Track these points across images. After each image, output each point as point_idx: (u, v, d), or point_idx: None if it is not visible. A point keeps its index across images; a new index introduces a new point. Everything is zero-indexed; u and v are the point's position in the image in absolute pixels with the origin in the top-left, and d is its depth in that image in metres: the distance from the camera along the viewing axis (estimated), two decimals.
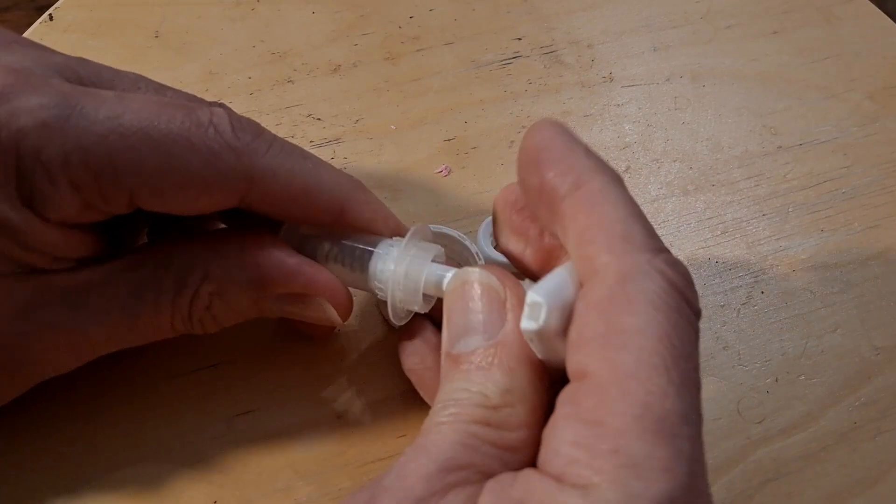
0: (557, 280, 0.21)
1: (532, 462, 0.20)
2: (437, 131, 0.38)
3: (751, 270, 0.34)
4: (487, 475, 0.19)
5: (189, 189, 0.24)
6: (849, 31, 0.44)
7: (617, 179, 0.21)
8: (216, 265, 0.25)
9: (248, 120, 0.25)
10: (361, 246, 0.26)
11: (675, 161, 0.38)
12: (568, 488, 0.18)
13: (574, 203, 0.21)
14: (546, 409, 0.21)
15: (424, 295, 0.25)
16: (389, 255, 0.26)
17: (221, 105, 0.27)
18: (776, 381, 0.31)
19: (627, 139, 0.39)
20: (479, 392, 0.20)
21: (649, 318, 0.18)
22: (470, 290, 0.22)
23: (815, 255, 0.35)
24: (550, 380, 0.22)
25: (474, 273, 0.22)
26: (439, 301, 0.26)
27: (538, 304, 0.20)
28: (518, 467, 0.20)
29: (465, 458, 0.19)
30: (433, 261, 0.26)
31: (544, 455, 0.19)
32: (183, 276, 0.25)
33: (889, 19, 0.45)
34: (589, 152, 0.22)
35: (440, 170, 0.37)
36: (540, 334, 0.20)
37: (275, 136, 0.25)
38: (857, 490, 0.28)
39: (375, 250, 0.26)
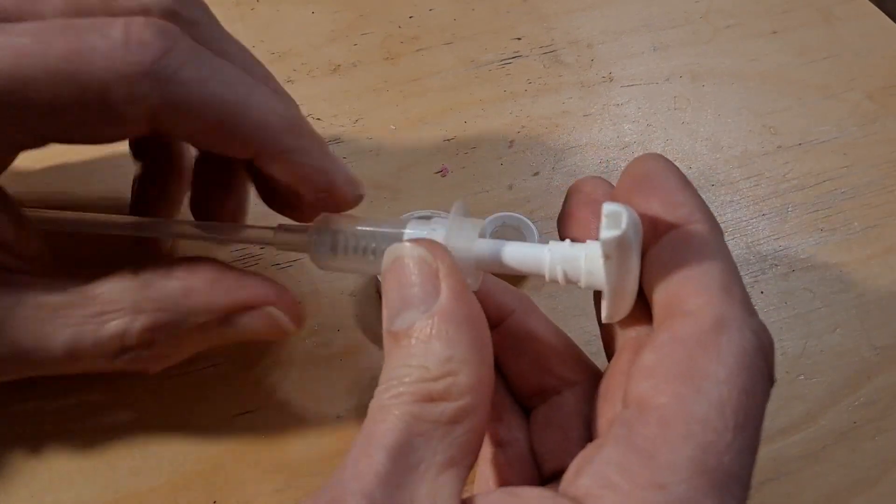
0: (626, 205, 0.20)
1: (479, 430, 0.20)
2: (436, 131, 0.38)
3: (751, 270, 0.34)
4: (443, 465, 0.19)
5: (86, 124, 0.22)
6: (848, 31, 0.44)
7: (721, 230, 0.21)
8: (145, 296, 0.23)
9: (161, 29, 0.21)
10: (390, 230, 0.25)
11: (674, 161, 0.38)
12: None
13: (679, 237, 0.20)
14: (493, 368, 0.21)
15: (477, 269, 0.24)
16: (437, 233, 0.24)
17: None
18: (776, 380, 0.31)
19: (627, 139, 0.39)
20: (420, 365, 0.20)
21: (733, 372, 0.18)
22: (403, 265, 0.21)
23: (814, 255, 0.35)
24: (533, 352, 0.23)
25: (405, 248, 0.22)
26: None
27: (617, 212, 0.19)
28: (464, 439, 0.19)
29: (417, 451, 0.19)
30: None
31: (578, 469, 0.18)
32: (105, 308, 0.23)
33: (889, 19, 0.45)
34: (699, 194, 0.22)
35: (439, 170, 0.37)
36: (620, 243, 0.19)
37: (194, 47, 0.22)
38: (857, 490, 0.28)
39: (416, 231, 0.24)
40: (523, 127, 0.39)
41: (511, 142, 0.38)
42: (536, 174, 0.37)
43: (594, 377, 0.24)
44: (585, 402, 0.23)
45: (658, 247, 0.21)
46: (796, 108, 0.40)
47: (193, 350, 0.25)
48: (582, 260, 0.22)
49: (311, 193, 0.24)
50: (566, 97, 0.40)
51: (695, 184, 0.36)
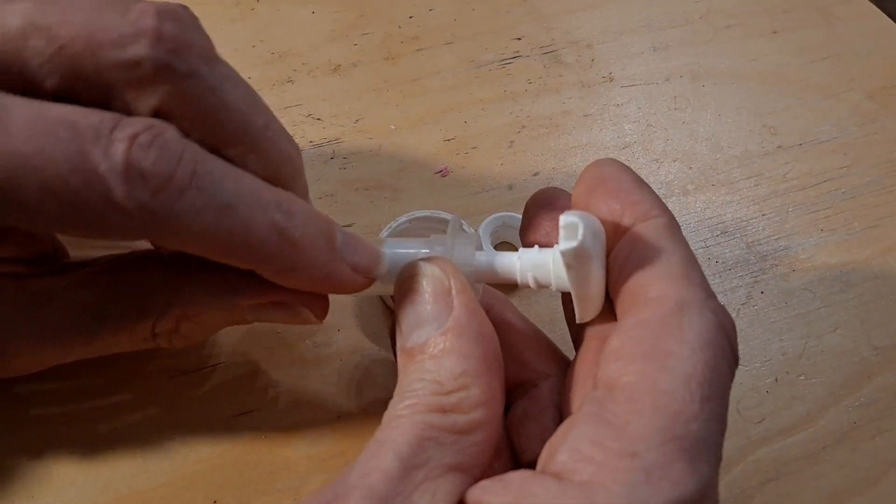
0: (584, 213, 0.21)
1: (491, 441, 0.20)
2: (436, 131, 0.38)
3: (751, 270, 0.34)
4: (449, 467, 0.19)
5: (75, 230, 0.21)
6: (848, 31, 0.44)
7: (677, 223, 0.22)
8: (179, 291, 0.24)
9: (163, 152, 0.20)
10: (389, 251, 0.25)
11: (674, 161, 0.38)
12: (569, 486, 0.18)
13: (639, 232, 0.21)
14: (503, 381, 0.21)
15: (477, 282, 0.25)
16: (438, 250, 0.24)
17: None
18: (776, 381, 0.31)
19: (627, 139, 0.39)
20: (433, 380, 0.20)
21: (696, 349, 0.19)
22: (416, 283, 0.22)
23: (814, 255, 0.35)
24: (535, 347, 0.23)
25: (417, 266, 0.23)
26: None
27: (574, 223, 0.20)
28: (475, 449, 0.20)
29: (426, 452, 0.19)
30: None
31: (553, 449, 0.19)
32: (143, 302, 0.24)
33: (889, 19, 0.45)
34: (654, 191, 0.23)
35: (439, 170, 0.37)
36: (578, 253, 0.20)
37: (195, 164, 0.20)
38: (856, 490, 0.28)
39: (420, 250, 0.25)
40: (523, 127, 0.39)
41: (511, 142, 0.38)
42: (536, 174, 0.37)
43: (568, 369, 0.24)
44: (560, 394, 0.24)
45: (621, 244, 0.21)
46: (796, 108, 0.40)
47: (214, 332, 0.26)
48: (550, 265, 0.22)
49: (313, 291, 0.24)
50: (566, 97, 0.40)
51: (695, 184, 0.37)
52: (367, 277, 0.24)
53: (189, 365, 0.29)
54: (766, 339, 0.32)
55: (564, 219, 0.20)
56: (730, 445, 0.29)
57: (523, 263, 0.23)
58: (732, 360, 0.20)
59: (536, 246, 0.23)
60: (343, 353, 0.30)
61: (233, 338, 0.30)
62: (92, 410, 0.28)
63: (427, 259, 0.23)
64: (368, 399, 0.29)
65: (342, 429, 0.28)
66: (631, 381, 0.19)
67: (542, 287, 0.23)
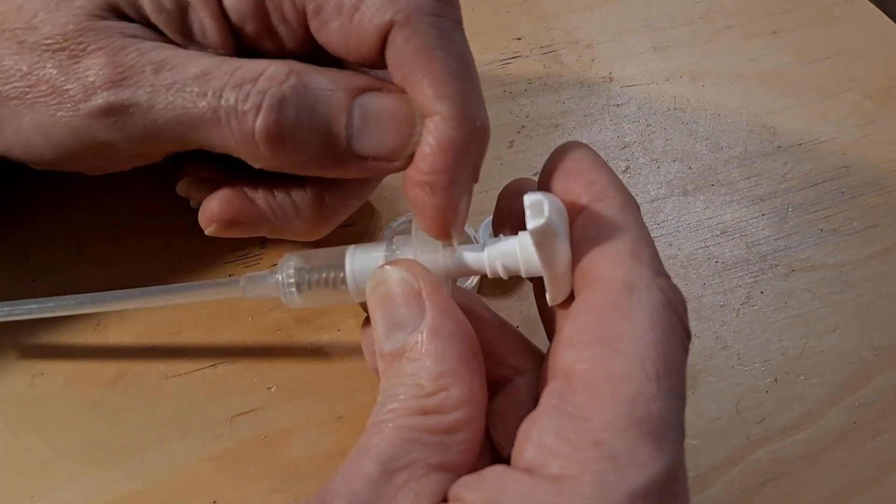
0: (546, 193, 0.21)
1: (475, 439, 0.20)
2: None
3: (750, 270, 0.34)
4: (434, 467, 0.19)
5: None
6: (848, 31, 0.44)
7: (635, 203, 0.22)
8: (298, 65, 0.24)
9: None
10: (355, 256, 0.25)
11: (674, 161, 0.38)
12: (541, 480, 0.18)
13: (591, 213, 0.21)
14: (485, 378, 0.21)
15: (447, 279, 0.24)
16: (405, 251, 0.24)
17: None
18: (775, 381, 0.31)
19: (627, 139, 0.39)
20: (414, 384, 0.20)
21: (646, 328, 0.19)
22: (387, 288, 0.22)
23: (814, 255, 0.35)
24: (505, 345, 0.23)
25: (386, 271, 0.23)
26: None
27: (539, 200, 0.20)
28: (460, 448, 0.20)
29: (408, 455, 0.19)
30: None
31: (520, 445, 0.19)
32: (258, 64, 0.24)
33: (889, 19, 0.45)
34: (614, 173, 0.23)
35: None
36: (545, 231, 0.20)
37: None
38: (856, 490, 0.28)
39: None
40: (523, 127, 0.39)
41: (511, 142, 0.38)
42: (536, 174, 0.37)
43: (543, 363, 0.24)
44: (536, 388, 0.24)
45: (576, 224, 0.22)
46: (796, 108, 0.40)
47: (308, 145, 0.24)
48: (518, 251, 0.23)
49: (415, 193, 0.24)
50: (566, 97, 0.40)
51: (694, 184, 0.37)
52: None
53: (189, 365, 0.29)
54: (766, 340, 0.32)
55: (529, 198, 0.20)
56: (730, 445, 0.29)
57: (490, 254, 0.23)
58: (684, 335, 0.20)
59: (501, 236, 0.24)
60: (343, 353, 0.30)
61: (233, 337, 0.30)
62: (91, 409, 0.28)
63: (394, 263, 0.23)
64: (368, 399, 0.29)
65: (342, 429, 0.29)
66: (586, 368, 0.19)
67: (511, 275, 0.23)
